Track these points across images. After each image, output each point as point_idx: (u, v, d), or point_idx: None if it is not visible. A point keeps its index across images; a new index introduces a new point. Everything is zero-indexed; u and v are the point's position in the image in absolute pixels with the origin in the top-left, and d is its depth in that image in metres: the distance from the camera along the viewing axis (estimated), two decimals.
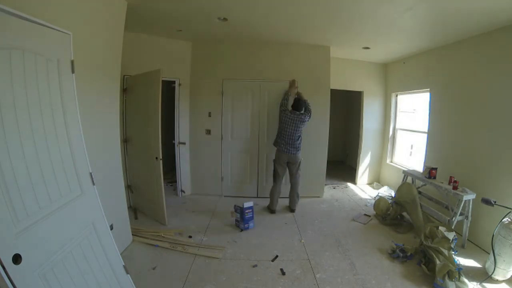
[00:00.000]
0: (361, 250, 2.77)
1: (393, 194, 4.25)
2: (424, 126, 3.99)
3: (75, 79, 1.73)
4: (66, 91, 1.63)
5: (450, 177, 2.99)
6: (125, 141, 3.53)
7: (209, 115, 4.19)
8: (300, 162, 3.70)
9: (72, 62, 1.71)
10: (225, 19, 3.04)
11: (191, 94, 4.15)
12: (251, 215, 3.20)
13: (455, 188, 2.85)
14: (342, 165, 6.80)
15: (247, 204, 3.16)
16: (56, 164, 1.50)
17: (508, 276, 2.27)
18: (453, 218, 2.76)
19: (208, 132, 4.22)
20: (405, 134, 4.78)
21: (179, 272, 2.32)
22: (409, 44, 3.72)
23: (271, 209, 3.73)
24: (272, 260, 2.55)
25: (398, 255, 2.58)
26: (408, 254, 2.57)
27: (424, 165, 3.64)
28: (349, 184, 5.21)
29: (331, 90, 4.28)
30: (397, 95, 4.91)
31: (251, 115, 4.19)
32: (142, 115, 3.24)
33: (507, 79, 2.66)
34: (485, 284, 2.26)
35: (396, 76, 4.80)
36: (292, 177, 3.73)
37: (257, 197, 4.23)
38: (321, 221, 3.48)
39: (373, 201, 4.02)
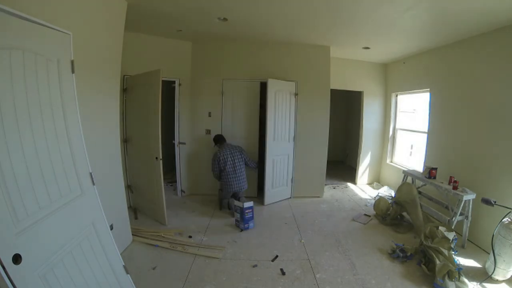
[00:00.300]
0: (361, 250, 2.77)
1: (393, 194, 4.25)
2: (424, 126, 3.98)
3: (75, 79, 1.73)
4: (66, 91, 1.63)
5: (450, 177, 2.99)
6: (125, 141, 3.53)
7: (209, 115, 4.19)
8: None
9: (72, 62, 1.71)
10: (225, 19, 3.04)
11: (191, 94, 4.15)
12: (251, 215, 3.20)
13: (455, 188, 2.85)
14: (342, 165, 6.81)
15: (247, 204, 3.16)
16: (56, 164, 1.50)
17: (508, 276, 2.27)
18: (453, 218, 2.76)
19: (208, 132, 4.22)
20: (405, 134, 4.78)
21: (179, 272, 2.32)
22: (409, 44, 3.72)
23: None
24: (272, 260, 2.55)
25: (398, 255, 2.58)
26: (408, 254, 2.57)
27: (424, 165, 3.64)
28: (349, 184, 5.21)
29: (331, 90, 4.28)
30: (397, 95, 4.91)
31: (251, 115, 4.19)
32: (142, 115, 3.24)
33: (507, 79, 2.66)
34: (485, 284, 2.26)
35: (396, 76, 4.80)
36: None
37: (257, 197, 4.23)
38: (321, 221, 3.48)
39: (373, 201, 4.02)
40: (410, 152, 4.62)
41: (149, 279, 2.21)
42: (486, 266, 2.42)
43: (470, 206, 2.77)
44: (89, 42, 2.07)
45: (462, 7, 2.34)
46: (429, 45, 3.66)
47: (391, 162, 5.02)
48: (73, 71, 1.72)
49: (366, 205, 4.09)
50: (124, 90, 3.43)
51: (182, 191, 4.27)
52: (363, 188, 5.03)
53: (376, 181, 5.24)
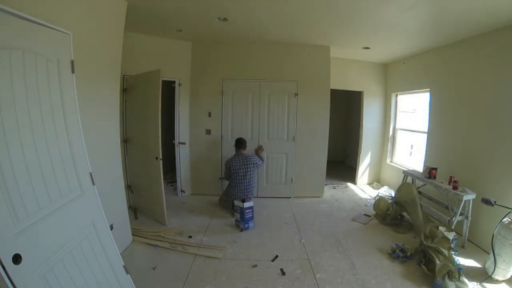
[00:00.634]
0: (361, 250, 2.77)
1: (393, 194, 4.25)
2: (424, 126, 3.98)
3: (75, 79, 1.73)
4: (66, 91, 1.63)
5: (450, 177, 2.99)
6: (125, 141, 3.53)
7: (209, 115, 4.19)
8: None
9: (72, 62, 1.71)
10: (225, 19, 3.04)
11: (191, 94, 4.15)
12: (251, 215, 3.20)
13: (455, 188, 2.85)
14: (342, 165, 6.81)
15: (247, 204, 3.16)
16: (56, 164, 1.50)
17: (508, 276, 2.27)
18: (453, 218, 2.76)
19: (208, 132, 4.23)
20: (405, 134, 4.78)
21: (179, 272, 2.32)
22: (409, 44, 3.72)
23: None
24: (272, 260, 2.55)
25: (398, 255, 2.58)
26: (408, 254, 2.57)
27: (424, 165, 3.64)
28: (349, 184, 5.21)
29: (331, 90, 4.28)
30: (397, 95, 4.91)
31: (251, 115, 4.19)
32: (142, 115, 3.24)
33: (507, 79, 2.66)
34: (485, 284, 2.26)
35: (396, 76, 4.80)
36: None
37: (257, 197, 4.23)
38: (321, 221, 3.48)
39: (373, 201, 4.02)
40: (410, 152, 4.62)
41: (149, 279, 2.21)
42: (486, 266, 2.42)
43: (470, 206, 2.76)
44: (89, 42, 2.07)
45: (462, 7, 2.34)
46: (429, 45, 3.66)
47: (391, 162, 5.02)
48: (73, 71, 1.72)
49: (366, 205, 4.08)
50: (124, 90, 3.43)
51: (182, 191, 4.27)
52: (363, 188, 5.03)
53: (376, 181, 5.24)
